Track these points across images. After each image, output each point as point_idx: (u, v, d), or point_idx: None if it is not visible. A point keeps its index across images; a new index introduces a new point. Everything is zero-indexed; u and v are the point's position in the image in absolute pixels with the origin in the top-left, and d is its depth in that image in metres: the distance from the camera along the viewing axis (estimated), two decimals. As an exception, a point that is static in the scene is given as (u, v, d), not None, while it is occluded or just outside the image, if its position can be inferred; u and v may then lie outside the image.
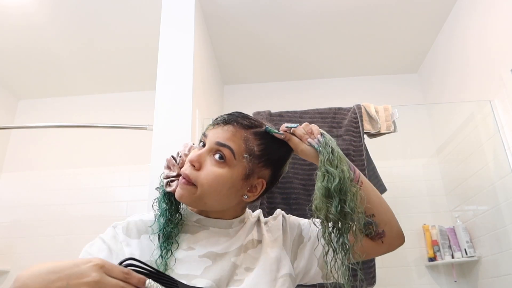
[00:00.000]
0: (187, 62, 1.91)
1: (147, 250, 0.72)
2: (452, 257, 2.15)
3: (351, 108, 1.85)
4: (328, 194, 0.72)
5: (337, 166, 0.74)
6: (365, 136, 1.80)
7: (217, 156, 0.73)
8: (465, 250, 2.09)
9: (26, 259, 2.53)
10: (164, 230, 0.73)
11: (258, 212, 0.89)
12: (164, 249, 0.71)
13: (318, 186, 0.74)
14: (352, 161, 1.71)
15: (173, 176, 0.79)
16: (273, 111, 1.84)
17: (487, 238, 1.99)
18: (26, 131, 2.88)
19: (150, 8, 2.20)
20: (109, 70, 2.81)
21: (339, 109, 1.84)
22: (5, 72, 2.76)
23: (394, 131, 1.82)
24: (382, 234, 0.82)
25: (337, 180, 0.72)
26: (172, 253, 0.71)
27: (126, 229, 0.75)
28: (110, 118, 2.80)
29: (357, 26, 2.45)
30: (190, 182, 0.73)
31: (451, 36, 2.37)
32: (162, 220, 0.75)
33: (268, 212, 1.63)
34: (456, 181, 2.30)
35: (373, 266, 1.60)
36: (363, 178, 0.82)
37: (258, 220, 0.86)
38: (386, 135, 1.84)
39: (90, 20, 2.32)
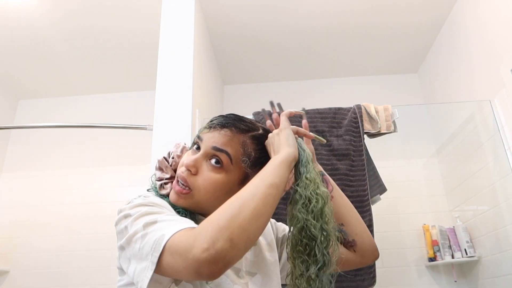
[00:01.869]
0: (187, 62, 1.91)
1: None
2: (452, 257, 2.15)
3: (351, 108, 1.85)
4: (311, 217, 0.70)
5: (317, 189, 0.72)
6: (365, 136, 1.80)
7: (213, 161, 0.72)
8: (465, 250, 2.09)
9: (26, 259, 2.53)
10: None
11: None
12: None
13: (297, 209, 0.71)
14: (352, 161, 1.71)
15: (166, 179, 0.78)
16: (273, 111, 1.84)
17: (487, 238, 1.99)
18: (26, 131, 2.88)
19: (150, 8, 2.20)
20: (109, 70, 2.81)
21: (339, 109, 1.84)
22: (5, 72, 2.76)
23: (394, 131, 1.82)
24: (353, 243, 0.84)
25: (320, 204, 0.70)
26: None
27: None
28: (110, 118, 2.80)
29: (357, 26, 2.45)
30: (186, 187, 0.72)
31: (451, 36, 2.37)
32: None
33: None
34: (456, 181, 2.30)
35: (373, 266, 1.60)
36: (335, 192, 0.84)
37: None
38: (386, 135, 1.84)
39: (90, 20, 2.32)
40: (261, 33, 2.50)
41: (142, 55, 2.62)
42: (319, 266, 0.70)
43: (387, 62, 2.82)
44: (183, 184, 0.73)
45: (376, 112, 1.83)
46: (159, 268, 0.58)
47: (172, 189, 0.75)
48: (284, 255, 0.87)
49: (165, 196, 0.76)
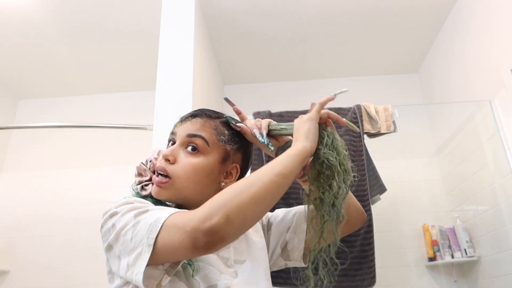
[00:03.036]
0: (187, 62, 1.91)
1: None
2: (452, 257, 2.15)
3: (351, 108, 1.85)
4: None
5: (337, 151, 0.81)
6: (365, 136, 1.80)
7: (189, 148, 0.76)
8: (465, 250, 2.09)
9: (26, 259, 2.53)
10: None
11: None
12: None
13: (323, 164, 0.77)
14: (352, 161, 1.71)
15: (146, 180, 0.80)
16: (273, 111, 1.84)
17: (487, 238, 1.99)
18: (26, 131, 2.88)
19: (150, 8, 2.20)
20: (109, 70, 2.81)
21: (339, 109, 1.84)
22: (5, 72, 2.76)
23: (394, 131, 1.82)
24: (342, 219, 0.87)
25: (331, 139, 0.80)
26: None
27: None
28: (110, 118, 2.79)
29: (357, 26, 2.45)
30: (166, 176, 0.74)
31: (451, 36, 2.37)
32: None
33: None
34: (456, 181, 2.30)
35: (373, 266, 1.60)
36: None
37: None
38: (386, 135, 1.84)
39: (90, 20, 2.32)
40: (261, 33, 2.50)
41: (142, 55, 2.62)
42: (335, 192, 0.74)
43: (387, 62, 2.82)
44: (162, 175, 0.74)
45: (376, 112, 1.83)
46: (154, 252, 0.59)
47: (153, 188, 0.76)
48: (272, 242, 0.90)
49: (148, 197, 0.77)
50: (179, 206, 0.78)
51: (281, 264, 0.91)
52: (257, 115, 1.82)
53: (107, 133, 2.70)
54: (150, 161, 0.83)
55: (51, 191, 2.71)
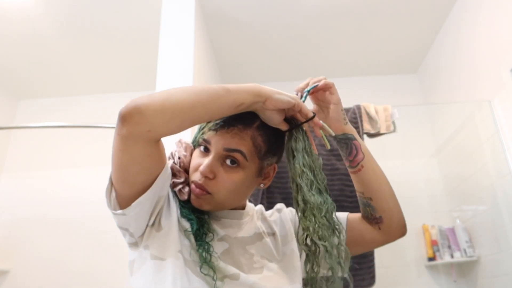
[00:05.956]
0: (187, 62, 1.92)
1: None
2: (452, 257, 2.15)
3: (350, 108, 1.85)
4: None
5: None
6: (364, 136, 1.80)
7: (228, 161, 0.71)
8: (464, 250, 2.09)
9: (26, 259, 2.53)
10: (198, 231, 0.71)
11: (260, 207, 0.88)
12: (204, 245, 0.69)
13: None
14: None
15: (181, 182, 0.76)
16: (273, 111, 1.84)
17: (486, 238, 1.99)
18: (26, 131, 2.88)
19: (150, 8, 2.20)
20: (109, 70, 2.81)
21: (339, 109, 1.84)
22: (5, 72, 2.76)
23: (394, 131, 1.82)
24: (379, 220, 0.81)
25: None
26: (208, 244, 0.70)
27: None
28: (110, 118, 2.79)
29: (357, 26, 2.46)
30: (206, 192, 0.71)
31: (451, 36, 2.37)
32: (192, 225, 0.72)
33: (268, 212, 1.63)
34: (455, 181, 2.31)
35: (372, 266, 1.60)
36: (367, 162, 0.82)
37: (262, 214, 0.86)
38: (386, 135, 1.84)
39: (90, 20, 2.33)
40: (261, 33, 2.50)
41: (142, 55, 2.62)
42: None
43: (387, 62, 2.82)
44: (201, 190, 0.72)
45: (376, 112, 1.84)
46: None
47: (188, 193, 0.74)
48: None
49: (186, 202, 0.75)
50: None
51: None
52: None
53: (107, 133, 2.69)
54: (179, 158, 0.78)
55: (51, 191, 2.71)
